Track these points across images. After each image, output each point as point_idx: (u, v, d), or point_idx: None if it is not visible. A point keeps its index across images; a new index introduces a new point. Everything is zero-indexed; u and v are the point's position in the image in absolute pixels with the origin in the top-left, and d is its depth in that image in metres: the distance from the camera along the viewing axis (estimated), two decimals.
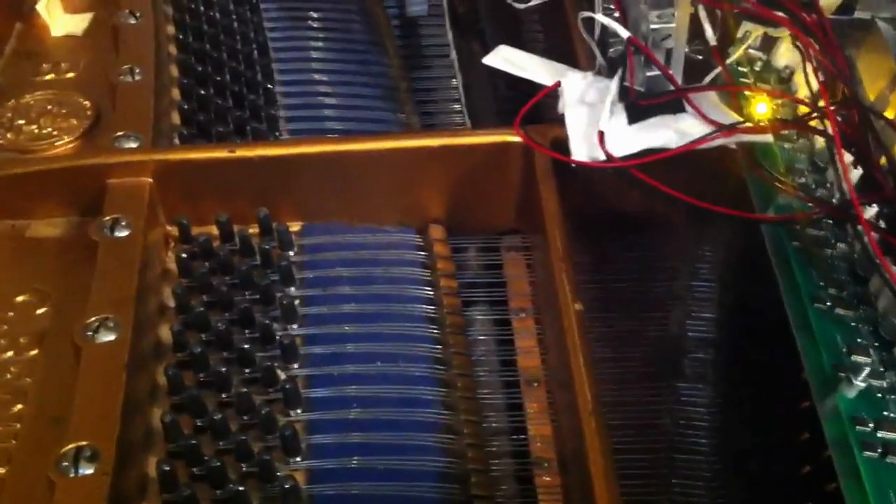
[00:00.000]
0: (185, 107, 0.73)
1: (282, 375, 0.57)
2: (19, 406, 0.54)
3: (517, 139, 0.65)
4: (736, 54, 0.65)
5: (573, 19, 0.70)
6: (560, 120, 0.64)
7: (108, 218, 0.61)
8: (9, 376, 0.56)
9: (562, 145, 0.63)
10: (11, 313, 0.59)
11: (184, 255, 0.62)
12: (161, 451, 0.54)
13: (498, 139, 0.66)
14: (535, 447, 0.58)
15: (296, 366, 0.58)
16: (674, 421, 0.61)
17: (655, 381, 0.63)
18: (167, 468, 0.51)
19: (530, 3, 0.75)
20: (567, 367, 0.53)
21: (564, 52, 0.73)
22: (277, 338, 0.58)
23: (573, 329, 0.55)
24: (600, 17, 0.65)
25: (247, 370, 0.57)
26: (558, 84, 0.66)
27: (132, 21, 0.77)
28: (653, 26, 0.61)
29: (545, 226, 0.61)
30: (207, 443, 0.53)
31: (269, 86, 0.77)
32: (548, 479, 0.57)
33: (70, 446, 0.49)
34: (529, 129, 0.65)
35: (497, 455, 0.58)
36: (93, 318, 0.55)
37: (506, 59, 0.71)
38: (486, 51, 0.72)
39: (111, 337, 0.54)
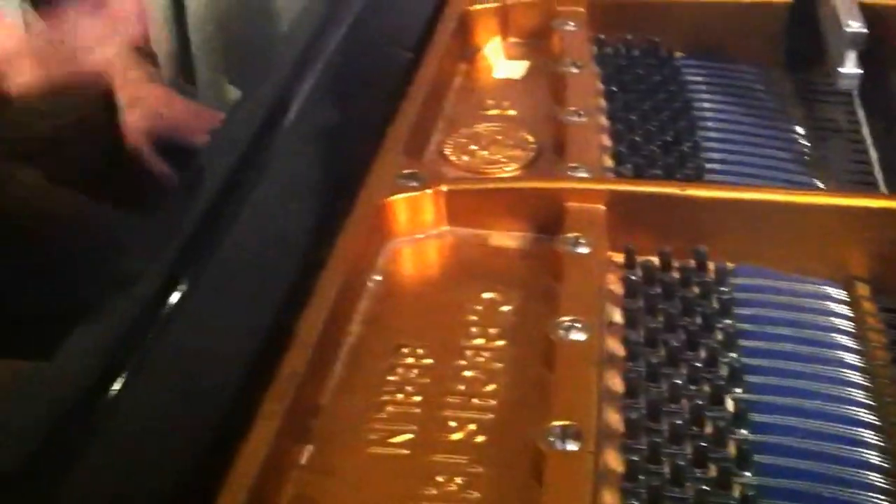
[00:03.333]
0: (622, 150, 0.79)
1: (726, 398, 0.61)
2: (493, 386, 0.61)
3: None
4: None
5: None
6: None
7: (570, 235, 0.68)
8: (481, 360, 0.63)
9: None
10: (480, 307, 0.66)
11: (632, 278, 0.68)
12: (615, 446, 0.59)
13: None
14: None
15: (739, 390, 0.62)
16: None
17: None
18: (636, 458, 0.55)
19: None
20: None
21: None
22: (722, 362, 0.62)
23: None
24: None
25: (692, 387, 0.62)
26: None
27: (574, 70, 0.85)
28: None
29: None
30: (664, 445, 0.58)
31: (695, 138, 0.82)
32: None
33: (555, 423, 0.55)
34: None
35: None
36: (564, 319, 0.61)
37: None
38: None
39: (582, 336, 0.60)
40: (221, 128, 0.80)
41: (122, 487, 0.49)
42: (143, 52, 1.32)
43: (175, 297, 0.59)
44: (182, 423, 0.53)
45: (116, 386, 0.53)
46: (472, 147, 0.80)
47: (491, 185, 0.72)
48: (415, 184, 0.71)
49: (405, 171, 0.72)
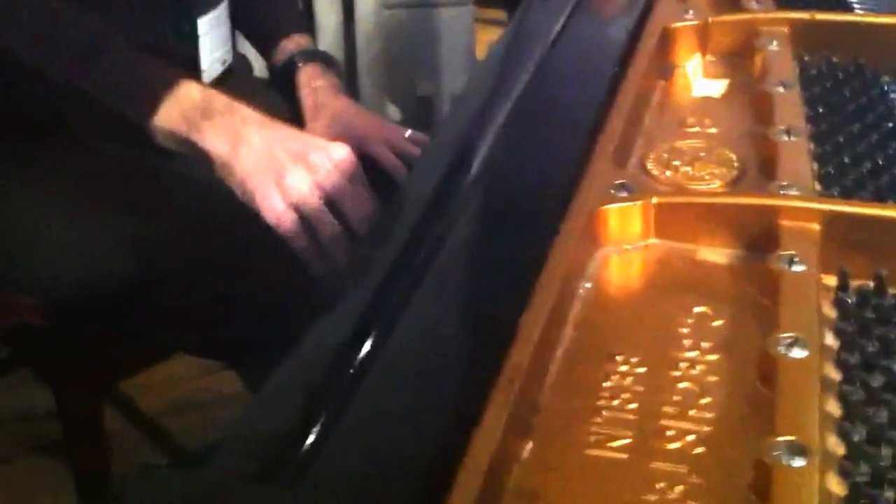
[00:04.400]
0: (829, 172, 0.78)
1: None
2: (708, 399, 0.61)
3: None
4: None
5: None
6: None
7: (785, 253, 0.67)
8: (695, 372, 0.63)
9: None
10: (691, 320, 0.67)
11: (846, 300, 0.67)
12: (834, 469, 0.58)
13: None
14: None
15: None
16: None
17: None
18: (858, 482, 0.55)
19: None
20: None
21: None
22: None
23: None
24: None
25: None
26: None
27: (781, 90, 0.85)
28: None
29: None
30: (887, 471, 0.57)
31: None
32: None
33: (780, 438, 0.55)
34: None
35: None
36: (783, 335, 0.61)
37: None
38: None
39: (804, 353, 0.60)
40: (436, 134, 0.82)
41: (365, 475, 0.51)
42: (330, 62, 1.36)
43: (407, 293, 0.61)
44: (417, 411, 0.55)
45: (356, 378, 0.55)
46: (675, 162, 0.80)
47: (703, 200, 0.73)
48: (625, 194, 0.72)
49: (616, 182, 0.72)
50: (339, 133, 1.24)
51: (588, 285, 0.69)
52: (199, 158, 0.95)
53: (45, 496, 1.58)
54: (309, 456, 0.51)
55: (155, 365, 1.38)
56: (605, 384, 0.62)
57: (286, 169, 0.87)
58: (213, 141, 0.92)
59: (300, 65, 1.28)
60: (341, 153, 0.88)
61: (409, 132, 1.27)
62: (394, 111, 2.44)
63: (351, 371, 0.56)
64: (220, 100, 0.96)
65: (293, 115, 1.27)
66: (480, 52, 2.44)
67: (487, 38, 2.57)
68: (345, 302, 0.63)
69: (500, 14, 2.67)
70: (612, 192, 0.72)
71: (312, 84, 1.28)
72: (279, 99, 1.31)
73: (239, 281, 1.08)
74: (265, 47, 1.33)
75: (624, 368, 0.63)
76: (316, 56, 1.31)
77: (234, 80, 1.24)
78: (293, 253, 0.95)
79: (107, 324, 1.21)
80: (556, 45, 0.88)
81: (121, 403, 1.62)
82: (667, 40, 0.93)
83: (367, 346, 0.58)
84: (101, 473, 1.41)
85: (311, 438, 0.52)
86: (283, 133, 0.94)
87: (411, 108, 2.43)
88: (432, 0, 2.38)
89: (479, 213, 0.69)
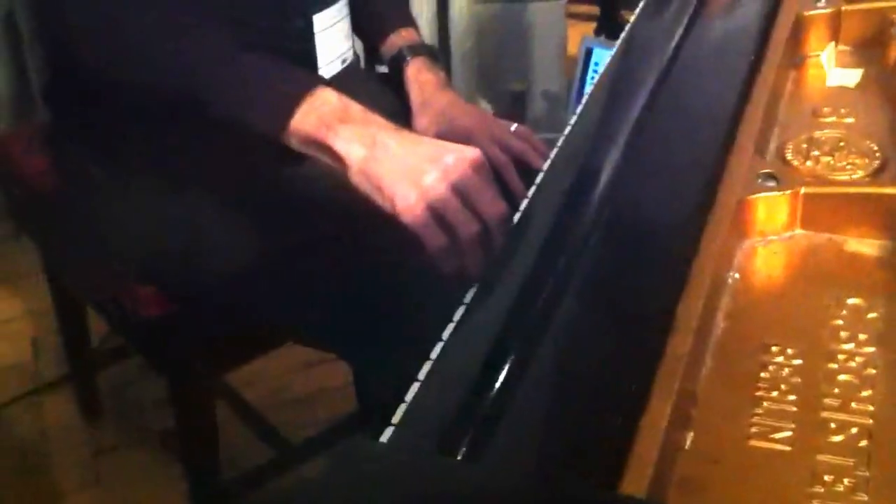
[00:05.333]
0: None
1: None
2: (868, 391, 0.60)
3: None
4: None
5: None
6: None
7: None
8: (854, 365, 0.62)
9: None
10: (844, 311, 0.65)
11: None
12: None
13: None
14: None
15: None
16: None
17: None
18: None
19: None
20: None
21: None
22: None
23: None
24: None
25: None
26: None
27: None
28: None
29: None
30: None
31: None
32: None
33: None
34: None
35: None
36: None
37: None
38: None
39: None
40: (572, 128, 0.81)
41: (539, 466, 0.52)
42: (435, 56, 1.36)
43: (561, 286, 0.61)
44: (581, 401, 0.55)
45: (519, 371, 0.56)
46: (815, 153, 0.79)
47: (852, 190, 0.71)
48: (772, 184, 0.71)
49: (763, 171, 0.72)
50: (445, 128, 1.24)
51: (736, 276, 0.68)
52: (332, 164, 0.96)
53: (151, 486, 1.61)
54: (481, 442, 0.51)
55: (266, 353, 1.40)
56: (762, 375, 0.61)
57: (423, 171, 0.88)
58: (351, 145, 0.93)
59: (408, 59, 1.29)
60: (475, 155, 0.89)
61: (514, 126, 1.27)
62: (485, 106, 2.44)
63: (514, 364, 0.56)
64: (356, 107, 0.97)
65: (400, 107, 1.28)
66: (572, 48, 2.42)
67: (579, 33, 2.55)
68: (501, 295, 0.63)
69: (592, 9, 2.65)
70: (759, 181, 0.71)
71: (420, 78, 1.28)
72: (385, 90, 1.32)
73: (358, 273, 1.09)
74: (373, 41, 1.34)
75: (780, 360, 0.62)
76: (423, 50, 1.31)
77: (348, 75, 1.25)
78: (417, 250, 0.96)
79: (226, 314, 1.23)
80: (687, 35, 0.87)
81: (226, 396, 1.64)
82: (799, 29, 0.91)
83: (527, 339, 0.58)
84: (212, 464, 1.44)
85: (479, 429, 0.53)
86: (418, 139, 0.96)
87: (503, 103, 2.43)
88: None
89: (624, 205, 0.69)
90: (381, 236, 1.03)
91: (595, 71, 2.19)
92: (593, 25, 2.61)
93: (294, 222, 1.13)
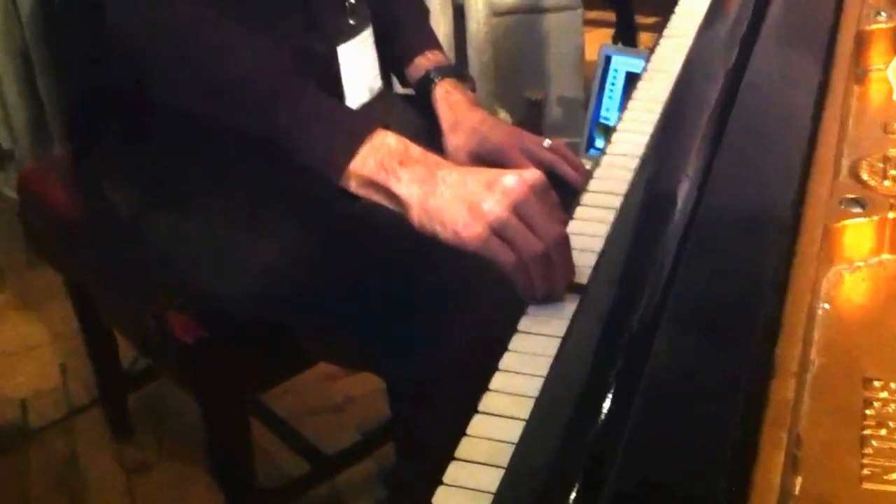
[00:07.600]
0: None
1: None
2: None
3: None
4: None
5: None
6: None
7: None
8: None
9: None
10: None
11: None
12: None
13: None
14: None
15: None
16: None
17: None
18: None
19: None
20: None
21: None
22: None
23: None
24: None
25: None
26: None
27: None
28: None
29: None
30: None
31: None
32: None
33: None
34: None
35: None
36: None
37: None
38: None
39: None
40: (649, 153, 0.79)
41: None
42: (463, 76, 1.35)
43: (650, 326, 0.59)
44: (693, 454, 0.52)
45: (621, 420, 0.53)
46: (893, 172, 0.77)
47: None
48: (859, 210, 0.69)
49: (848, 197, 0.69)
50: (477, 145, 1.23)
51: (826, 306, 0.66)
52: (392, 207, 0.95)
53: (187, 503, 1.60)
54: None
55: (298, 374, 1.38)
56: (867, 412, 0.58)
57: (482, 198, 0.87)
58: (411, 187, 0.92)
59: (436, 81, 1.28)
60: (534, 177, 0.87)
61: (547, 141, 1.25)
62: (504, 116, 2.42)
63: (615, 414, 0.54)
64: (416, 149, 0.97)
65: (430, 129, 1.26)
66: (590, 55, 2.40)
67: (594, 38, 2.53)
68: (591, 335, 0.60)
69: (608, 15, 2.62)
70: (843, 207, 0.69)
71: (449, 99, 1.27)
72: (415, 113, 1.30)
73: (396, 294, 1.07)
74: (400, 65, 1.33)
75: (884, 395, 0.59)
76: (450, 71, 1.30)
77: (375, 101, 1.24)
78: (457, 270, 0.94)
79: (260, 339, 1.21)
80: (749, 53, 0.84)
81: (256, 408, 1.63)
82: (860, 44, 0.89)
83: (624, 385, 0.55)
84: (248, 479, 1.42)
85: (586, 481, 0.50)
86: (476, 169, 0.95)
87: (521, 112, 2.41)
88: (541, 5, 2.35)
89: (708, 233, 0.66)
90: (415, 259, 1.02)
91: (615, 78, 2.17)
92: (607, 31, 2.59)
93: (332, 247, 1.12)
